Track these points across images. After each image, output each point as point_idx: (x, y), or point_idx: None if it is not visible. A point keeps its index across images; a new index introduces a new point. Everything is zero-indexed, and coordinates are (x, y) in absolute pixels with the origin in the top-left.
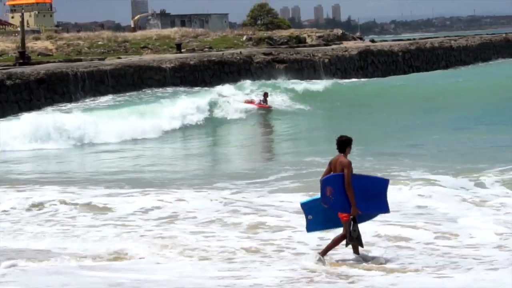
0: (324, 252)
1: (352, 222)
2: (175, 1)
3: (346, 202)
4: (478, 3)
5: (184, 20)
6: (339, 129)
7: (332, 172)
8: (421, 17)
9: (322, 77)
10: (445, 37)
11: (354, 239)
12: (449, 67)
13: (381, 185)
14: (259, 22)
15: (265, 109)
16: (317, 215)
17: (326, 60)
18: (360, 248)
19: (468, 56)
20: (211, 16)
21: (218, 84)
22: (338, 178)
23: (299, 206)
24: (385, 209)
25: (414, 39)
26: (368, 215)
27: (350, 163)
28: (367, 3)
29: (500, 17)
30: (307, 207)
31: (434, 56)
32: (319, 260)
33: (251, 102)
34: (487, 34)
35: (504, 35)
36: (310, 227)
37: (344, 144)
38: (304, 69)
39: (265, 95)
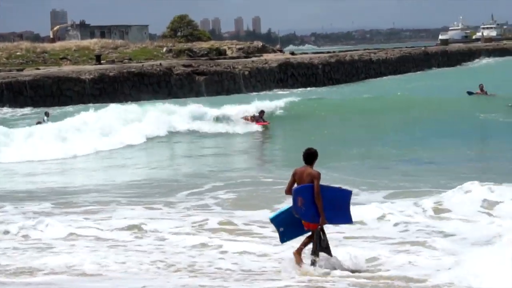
0: (299, 251)
1: (320, 232)
2: (95, 12)
3: (316, 212)
4: (398, 17)
5: (104, 31)
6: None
7: (296, 183)
8: (341, 29)
9: (242, 89)
10: (364, 50)
11: (323, 249)
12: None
13: (345, 196)
14: (179, 34)
15: (264, 125)
16: (287, 226)
17: (246, 72)
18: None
19: (387, 69)
20: (131, 28)
21: (138, 95)
22: (309, 189)
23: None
24: (349, 220)
25: (334, 51)
26: (332, 224)
27: (319, 174)
28: (288, 16)
29: (419, 30)
30: (276, 221)
31: (354, 69)
32: (312, 262)
33: (248, 119)
34: (407, 47)
35: (423, 48)
36: (283, 238)
37: (312, 156)
38: (224, 81)
39: (262, 113)
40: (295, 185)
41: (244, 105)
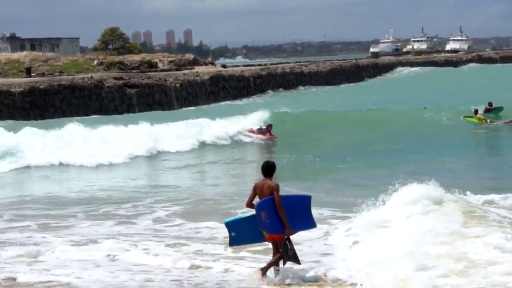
0: (265, 271)
1: (287, 242)
2: (26, 25)
3: (280, 223)
4: (329, 30)
5: (34, 44)
6: None
7: (257, 196)
8: (273, 42)
9: (174, 102)
10: (296, 62)
11: (291, 258)
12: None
13: (305, 202)
14: (110, 46)
15: (271, 139)
16: (240, 233)
17: (178, 85)
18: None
19: (318, 81)
20: (62, 40)
21: (69, 108)
22: (270, 202)
23: None
24: (312, 224)
25: (265, 64)
26: (296, 231)
27: (278, 185)
28: (219, 28)
29: (350, 43)
30: (231, 226)
31: (286, 81)
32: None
33: (254, 131)
34: (338, 60)
35: (354, 60)
36: (233, 242)
37: (271, 168)
38: (155, 93)
39: (269, 126)
40: (256, 199)
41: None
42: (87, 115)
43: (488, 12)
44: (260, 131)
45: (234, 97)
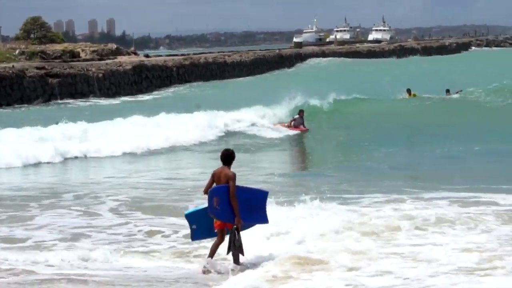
0: (211, 254)
1: (235, 232)
2: None
3: (231, 212)
4: (252, 19)
5: None
6: None
7: (215, 184)
8: (196, 32)
9: (96, 92)
10: (219, 52)
11: (237, 248)
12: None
13: (261, 197)
14: (32, 36)
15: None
16: (201, 225)
17: (100, 75)
18: (241, 257)
19: (242, 71)
20: None
21: None
22: (224, 189)
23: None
24: (265, 219)
25: (188, 54)
26: (248, 225)
27: (235, 175)
28: (142, 18)
29: (273, 33)
30: (191, 218)
31: (209, 71)
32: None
33: (285, 125)
34: (261, 50)
35: (277, 50)
36: (195, 236)
37: (230, 157)
38: (78, 83)
39: (301, 112)
40: (214, 186)
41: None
42: (8, 104)
43: (410, 2)
44: (294, 122)
45: (158, 87)
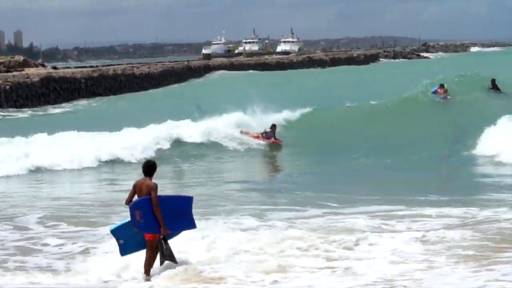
0: (147, 271)
1: (162, 242)
2: None
3: (156, 223)
4: (161, 31)
5: None
6: None
7: (136, 195)
8: (105, 44)
9: (3, 104)
10: (127, 64)
11: (167, 257)
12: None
13: (186, 203)
14: None
15: (275, 144)
16: (128, 239)
17: (8, 87)
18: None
19: (150, 83)
20: None
21: None
22: (146, 202)
23: None
24: (192, 225)
25: (97, 66)
26: (176, 232)
27: (156, 185)
28: (50, 30)
29: (182, 45)
30: (117, 233)
31: (117, 83)
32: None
33: (255, 136)
34: (170, 62)
35: (186, 62)
36: (123, 251)
37: (151, 168)
38: None
39: (274, 127)
40: (135, 198)
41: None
42: None
43: (318, 14)
44: (264, 135)
45: (66, 99)
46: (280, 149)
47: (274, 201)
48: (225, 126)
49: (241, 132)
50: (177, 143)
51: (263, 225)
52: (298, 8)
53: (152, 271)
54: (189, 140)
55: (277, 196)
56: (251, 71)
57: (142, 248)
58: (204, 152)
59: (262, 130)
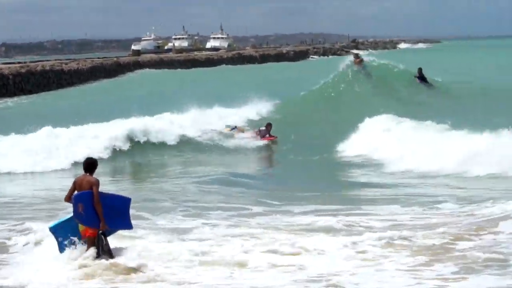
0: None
1: (102, 237)
2: None
3: (96, 218)
4: (90, 27)
5: None
6: None
7: (76, 191)
8: (33, 40)
9: None
10: (56, 60)
11: (106, 252)
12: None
13: (124, 203)
14: None
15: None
16: (66, 236)
17: None
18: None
19: (79, 79)
20: None
21: None
22: (88, 195)
23: None
24: (129, 225)
25: (25, 62)
26: (113, 230)
27: (98, 181)
28: None
29: (111, 41)
30: (55, 230)
31: (45, 79)
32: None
33: (256, 134)
34: (99, 58)
35: (115, 58)
36: (62, 248)
37: (93, 165)
38: None
39: (269, 126)
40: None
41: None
42: None
43: (248, 10)
44: (259, 133)
45: None
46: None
47: (214, 199)
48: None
49: (234, 129)
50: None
51: (203, 223)
52: (228, 5)
53: None
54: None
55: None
56: (179, 69)
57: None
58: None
59: (256, 129)
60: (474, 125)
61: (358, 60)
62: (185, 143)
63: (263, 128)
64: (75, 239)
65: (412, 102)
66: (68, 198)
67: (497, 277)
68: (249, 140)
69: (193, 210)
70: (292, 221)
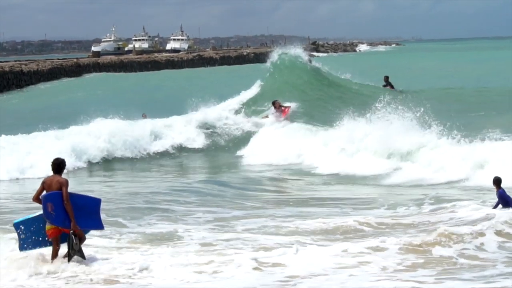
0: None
1: (73, 237)
2: None
3: (66, 217)
4: (50, 28)
5: None
6: None
7: (45, 191)
8: None
9: None
10: (15, 61)
11: (77, 252)
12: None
13: (94, 204)
14: None
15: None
16: (29, 234)
17: None
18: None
19: (39, 80)
20: None
21: None
22: (58, 195)
23: None
24: (100, 226)
25: None
26: (84, 230)
27: (67, 181)
28: None
29: (71, 42)
30: (19, 227)
31: (5, 80)
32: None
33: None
34: (59, 59)
35: (75, 60)
36: (23, 246)
37: (61, 165)
38: None
39: (276, 102)
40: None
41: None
42: None
43: (209, 12)
44: (278, 111)
45: None
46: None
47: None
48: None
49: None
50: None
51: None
52: (188, 6)
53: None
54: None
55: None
56: (138, 72)
57: (42, 246)
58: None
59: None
60: None
61: (279, 106)
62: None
63: (273, 108)
64: (39, 238)
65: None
66: (35, 198)
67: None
68: (280, 121)
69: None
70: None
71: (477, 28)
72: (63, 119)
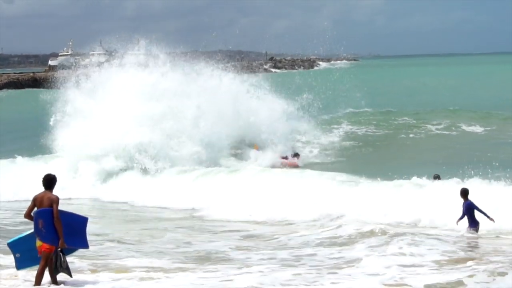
0: (38, 282)
1: (60, 254)
2: None
3: (55, 235)
4: (6, 42)
5: None
6: None
7: (36, 208)
8: None
9: None
10: None
11: (64, 269)
12: None
13: (81, 222)
14: None
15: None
16: (24, 253)
17: None
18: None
19: None
20: None
21: None
22: (48, 212)
23: None
24: (85, 245)
25: None
26: (71, 249)
27: (58, 198)
28: None
29: (28, 56)
30: (14, 246)
31: None
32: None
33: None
34: (15, 73)
35: (32, 74)
36: (20, 265)
37: (52, 182)
38: None
39: (297, 156)
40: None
41: None
42: None
43: (165, 27)
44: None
45: None
46: None
47: None
48: None
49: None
50: None
51: None
52: (145, 21)
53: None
54: None
55: None
56: None
57: (38, 263)
58: None
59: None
60: None
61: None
62: None
63: (293, 154)
64: (36, 255)
65: None
66: (27, 215)
67: None
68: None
69: None
70: None
71: (431, 45)
72: None
